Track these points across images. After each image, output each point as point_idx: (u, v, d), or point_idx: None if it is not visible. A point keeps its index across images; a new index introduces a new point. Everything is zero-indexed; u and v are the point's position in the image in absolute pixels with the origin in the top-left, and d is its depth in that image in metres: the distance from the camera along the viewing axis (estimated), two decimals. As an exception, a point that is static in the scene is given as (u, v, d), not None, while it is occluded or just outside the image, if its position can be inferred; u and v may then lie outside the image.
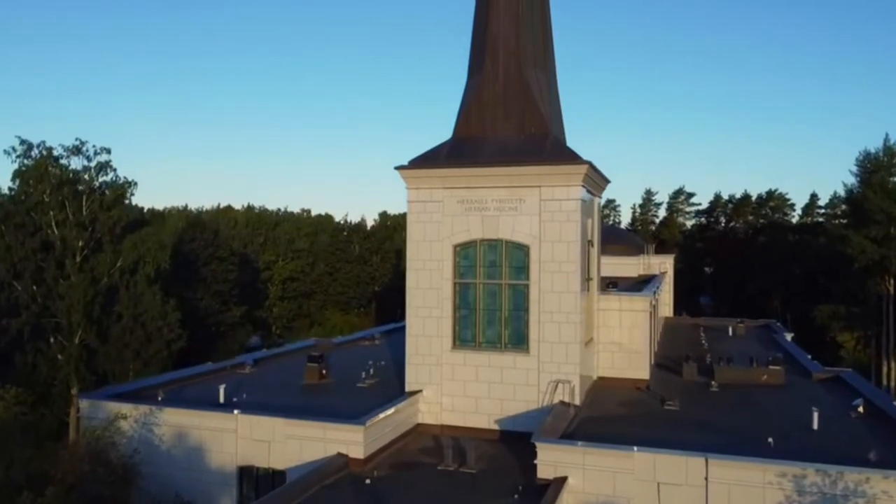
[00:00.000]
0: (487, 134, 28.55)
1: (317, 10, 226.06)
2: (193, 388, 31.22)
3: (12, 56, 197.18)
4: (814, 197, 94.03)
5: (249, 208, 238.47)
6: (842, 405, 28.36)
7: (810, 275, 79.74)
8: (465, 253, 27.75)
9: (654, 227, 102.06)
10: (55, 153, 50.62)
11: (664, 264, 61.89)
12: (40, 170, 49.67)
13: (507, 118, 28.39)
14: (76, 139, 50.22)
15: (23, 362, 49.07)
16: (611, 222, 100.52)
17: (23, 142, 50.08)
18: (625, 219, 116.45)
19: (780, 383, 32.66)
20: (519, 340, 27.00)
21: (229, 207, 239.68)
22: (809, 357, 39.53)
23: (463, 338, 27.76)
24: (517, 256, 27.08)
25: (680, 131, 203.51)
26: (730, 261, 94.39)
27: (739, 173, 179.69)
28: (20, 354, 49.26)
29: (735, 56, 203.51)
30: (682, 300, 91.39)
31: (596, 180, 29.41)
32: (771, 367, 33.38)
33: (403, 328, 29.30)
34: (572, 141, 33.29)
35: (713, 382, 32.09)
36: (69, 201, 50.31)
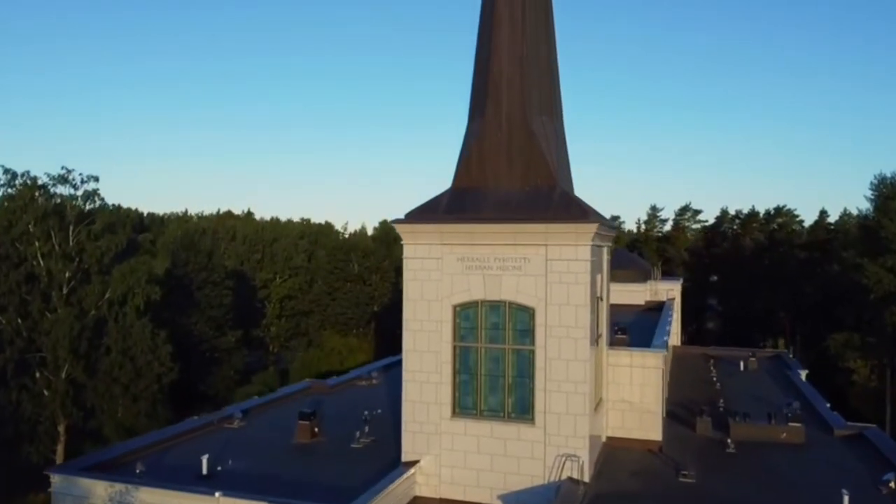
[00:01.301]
0: (489, 185, 26.63)
1: (320, 10, 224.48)
2: (177, 450, 29.35)
3: (10, 56, 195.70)
4: (823, 214, 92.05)
5: (249, 214, 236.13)
6: (869, 474, 26.45)
7: (821, 295, 77.85)
8: (465, 314, 25.84)
9: (658, 243, 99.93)
10: (40, 182, 48.97)
11: (672, 291, 60.01)
12: (25, 199, 47.99)
13: (511, 168, 26.47)
14: (62, 167, 48.68)
15: (6, 399, 47.30)
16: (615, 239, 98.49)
17: (6, 170, 48.56)
18: (629, 226, 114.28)
19: (801, 442, 30.80)
20: (524, 410, 25.09)
21: (229, 213, 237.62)
22: (828, 406, 37.62)
23: (463, 405, 25.85)
24: (522, 319, 25.18)
25: (687, 147, 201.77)
26: (737, 277, 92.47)
27: (746, 190, 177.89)
28: (4, 391, 47.50)
29: (740, 68, 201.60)
30: (689, 318, 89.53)
31: (605, 232, 27.53)
32: (790, 423, 31.48)
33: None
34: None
35: (729, 441, 30.19)
36: (55, 232, 48.67)
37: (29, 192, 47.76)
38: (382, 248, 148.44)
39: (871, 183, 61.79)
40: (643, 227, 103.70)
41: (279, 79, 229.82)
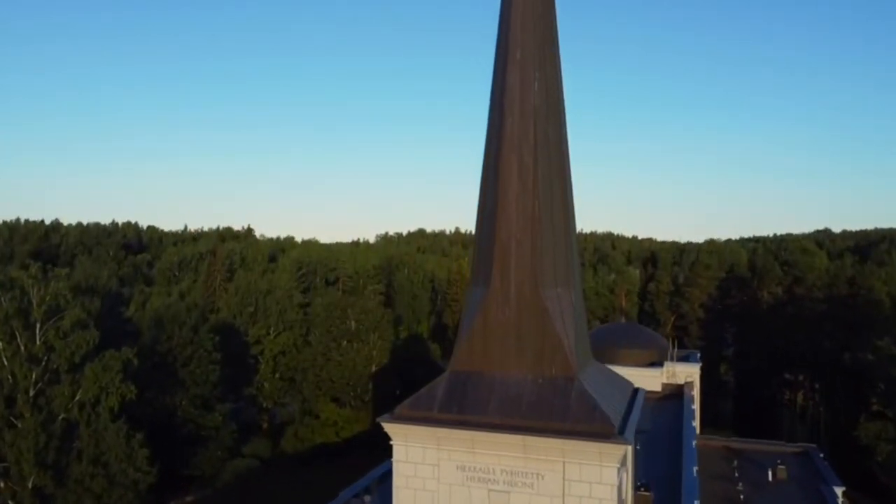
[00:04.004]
0: (495, 371, 22.52)
1: (321, 10, 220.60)
2: None
3: (10, 55, 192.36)
4: (841, 258, 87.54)
5: (249, 231, 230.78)
6: None
7: (845, 356, 73.78)
8: (466, 533, 21.71)
9: (671, 297, 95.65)
10: (2, 277, 44.99)
11: (691, 375, 55.82)
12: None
13: (521, 353, 22.36)
14: (27, 260, 44.75)
15: (-35, 517, 43.23)
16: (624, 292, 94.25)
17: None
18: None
19: None
20: None
21: (229, 230, 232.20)
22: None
23: None
24: (534, 547, 21.03)
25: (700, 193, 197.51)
26: (754, 330, 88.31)
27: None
28: (-37, 507, 43.43)
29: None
30: (706, 370, 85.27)
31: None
32: None
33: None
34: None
35: None
36: (20, 332, 44.67)
37: (-9, 292, 43.85)
38: (384, 276, 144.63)
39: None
40: (654, 281, 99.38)
41: (281, 79, 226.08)
